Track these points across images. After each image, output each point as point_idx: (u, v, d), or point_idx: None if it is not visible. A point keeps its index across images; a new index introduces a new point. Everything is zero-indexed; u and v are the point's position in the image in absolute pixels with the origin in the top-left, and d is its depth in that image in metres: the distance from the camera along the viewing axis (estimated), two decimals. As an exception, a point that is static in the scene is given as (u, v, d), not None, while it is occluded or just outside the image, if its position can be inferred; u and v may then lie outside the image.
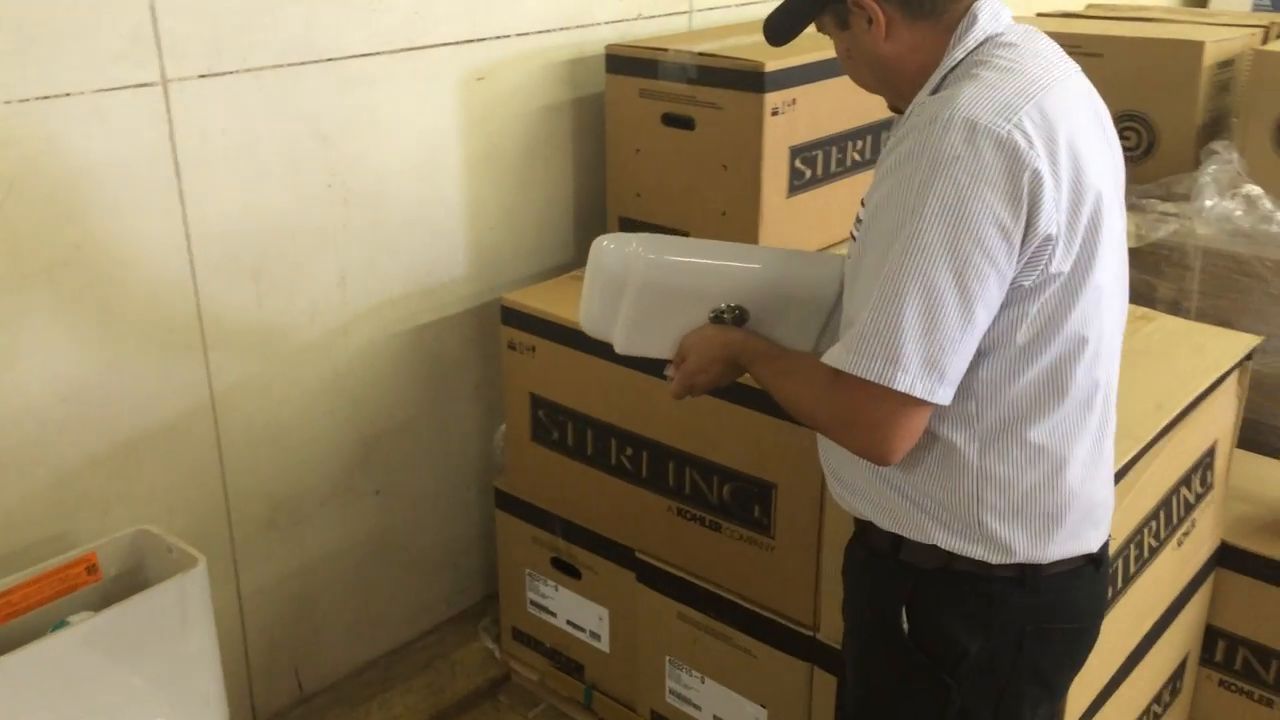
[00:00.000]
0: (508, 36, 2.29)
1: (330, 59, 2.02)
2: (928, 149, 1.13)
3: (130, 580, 1.80)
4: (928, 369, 1.13)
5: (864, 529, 1.37)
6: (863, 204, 1.26)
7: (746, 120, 2.14)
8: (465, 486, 2.52)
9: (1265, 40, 2.85)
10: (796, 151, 2.21)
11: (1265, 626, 2.03)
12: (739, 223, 2.22)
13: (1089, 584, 1.33)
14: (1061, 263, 1.16)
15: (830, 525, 1.81)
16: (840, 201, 2.38)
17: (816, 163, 2.28)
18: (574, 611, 2.29)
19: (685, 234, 2.29)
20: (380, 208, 2.18)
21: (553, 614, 2.34)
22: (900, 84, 1.29)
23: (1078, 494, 1.26)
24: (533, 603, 2.38)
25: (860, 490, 1.35)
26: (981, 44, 1.22)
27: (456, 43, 2.21)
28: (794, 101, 2.16)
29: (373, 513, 2.36)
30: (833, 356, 1.18)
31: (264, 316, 2.06)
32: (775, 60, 2.10)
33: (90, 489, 1.88)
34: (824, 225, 2.37)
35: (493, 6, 2.24)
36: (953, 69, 1.23)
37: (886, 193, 1.16)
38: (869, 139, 2.39)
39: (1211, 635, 2.10)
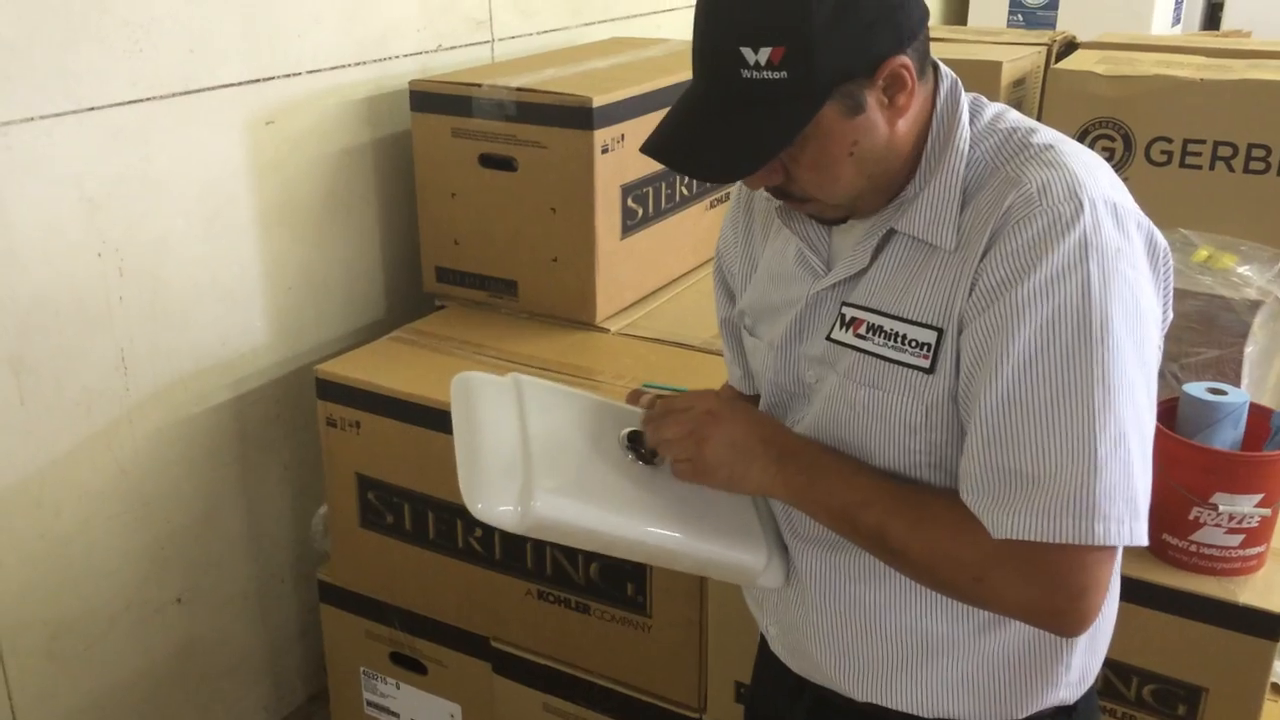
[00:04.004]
0: (298, 74, 2.03)
1: (91, 108, 1.72)
2: (1089, 244, 0.91)
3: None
4: (1146, 510, 0.93)
5: None
6: (871, 311, 1.03)
7: (575, 159, 1.98)
8: (279, 580, 2.24)
9: (1049, 58, 2.94)
10: (628, 190, 2.07)
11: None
12: (572, 268, 2.05)
13: None
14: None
15: (714, 598, 1.67)
16: (673, 239, 2.26)
17: (648, 200, 2.14)
18: (420, 710, 2.06)
19: (512, 282, 2.11)
20: (162, 275, 1.89)
21: (394, 714, 2.10)
22: (893, 177, 1.02)
23: None
24: (370, 703, 2.13)
25: (956, 678, 1.09)
26: (973, 108, 1.05)
27: (239, 83, 1.94)
28: (623, 137, 2.02)
29: (174, 623, 2.05)
30: (1042, 527, 0.91)
31: (28, 414, 1.74)
32: (603, 94, 1.95)
33: None
34: (657, 266, 2.24)
35: (277, 41, 1.98)
36: (968, 144, 1.01)
37: (1035, 299, 0.92)
38: (694, 171, 2.28)
39: None
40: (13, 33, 1.60)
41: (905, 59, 0.95)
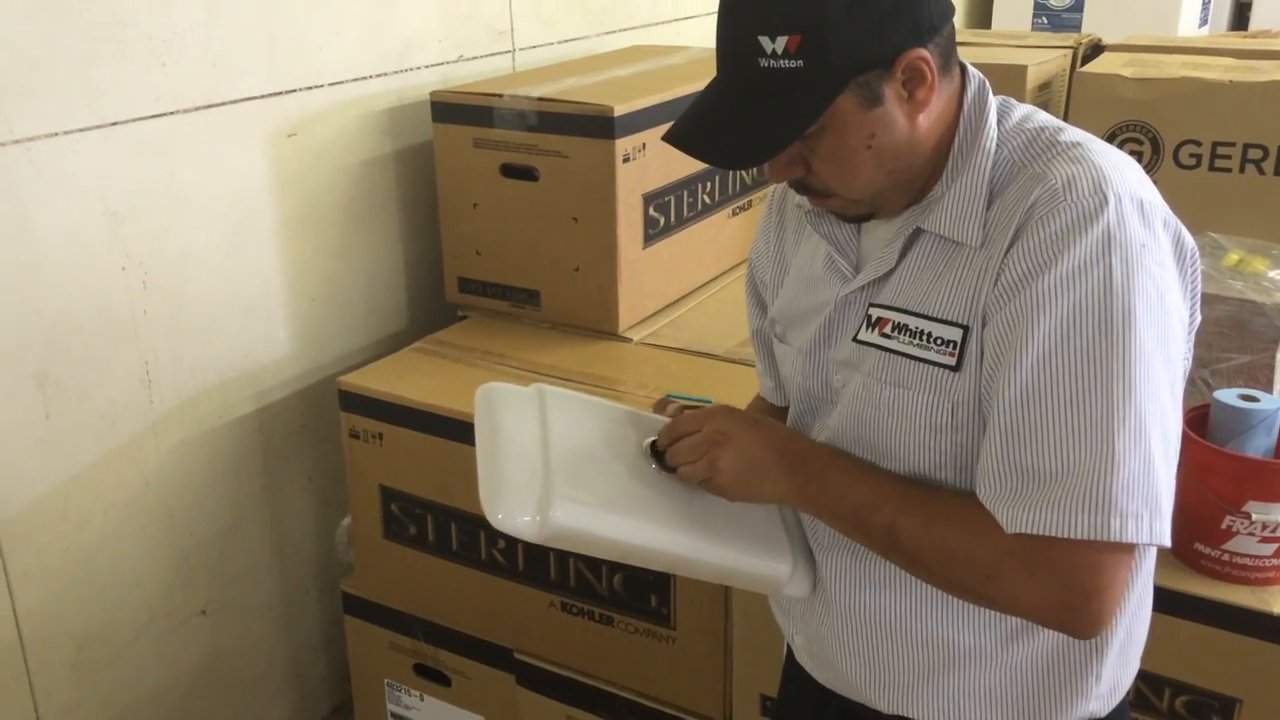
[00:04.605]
0: (319, 86, 2.04)
1: (115, 123, 1.73)
2: (1112, 238, 0.90)
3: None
4: (1168, 509, 0.91)
5: None
6: (897, 310, 1.02)
7: (596, 168, 1.97)
8: (304, 591, 2.24)
9: (1075, 61, 2.91)
10: (650, 199, 2.06)
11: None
12: (594, 278, 2.05)
13: None
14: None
15: (738, 609, 1.65)
16: (695, 248, 2.25)
17: (669, 209, 2.13)
18: (444, 722, 2.06)
19: (535, 292, 2.11)
20: (185, 288, 1.89)
21: (419, 726, 2.10)
22: (916, 175, 1.01)
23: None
24: (394, 715, 2.12)
25: (983, 689, 1.07)
26: (1002, 109, 1.04)
27: (261, 96, 1.94)
28: (644, 146, 2.01)
29: (199, 635, 2.05)
30: (1056, 522, 0.89)
31: (53, 427, 1.74)
32: (624, 103, 1.95)
33: None
34: (680, 275, 2.23)
35: (299, 54, 1.99)
36: (995, 143, 1.00)
37: (1057, 292, 0.90)
38: (715, 180, 2.27)
39: None
40: (36, 48, 1.61)
41: (924, 52, 0.94)
